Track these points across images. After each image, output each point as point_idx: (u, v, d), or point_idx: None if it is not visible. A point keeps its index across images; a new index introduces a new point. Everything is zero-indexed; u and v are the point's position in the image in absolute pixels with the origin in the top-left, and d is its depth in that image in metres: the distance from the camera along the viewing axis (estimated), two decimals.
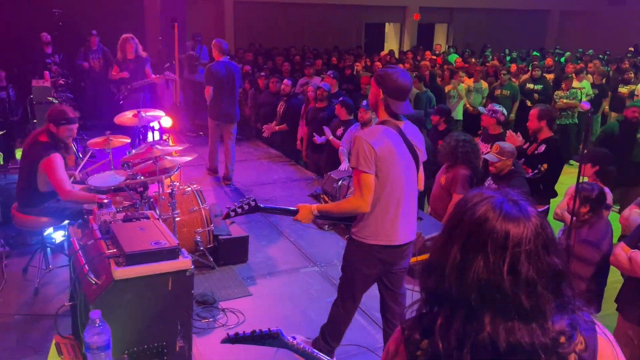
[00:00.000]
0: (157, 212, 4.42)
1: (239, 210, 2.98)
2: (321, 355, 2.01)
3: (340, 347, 3.73)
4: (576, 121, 9.10)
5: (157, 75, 7.36)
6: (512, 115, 8.91)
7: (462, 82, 9.34)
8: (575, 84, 9.24)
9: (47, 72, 7.60)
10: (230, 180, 7.05)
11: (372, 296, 4.41)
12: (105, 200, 3.09)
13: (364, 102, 6.23)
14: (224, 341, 1.96)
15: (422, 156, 3.06)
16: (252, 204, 3.01)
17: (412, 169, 2.98)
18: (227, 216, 3.00)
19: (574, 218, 3.76)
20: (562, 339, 1.15)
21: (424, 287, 1.25)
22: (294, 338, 1.98)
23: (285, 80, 8.09)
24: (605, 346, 1.21)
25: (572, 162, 8.78)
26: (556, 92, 9.21)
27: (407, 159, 2.93)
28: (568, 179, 4.92)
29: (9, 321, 3.91)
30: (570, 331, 1.16)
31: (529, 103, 8.93)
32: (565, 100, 8.93)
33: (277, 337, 1.92)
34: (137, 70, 7.42)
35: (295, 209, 3.12)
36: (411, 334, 1.24)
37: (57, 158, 4.16)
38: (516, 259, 1.12)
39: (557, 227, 4.33)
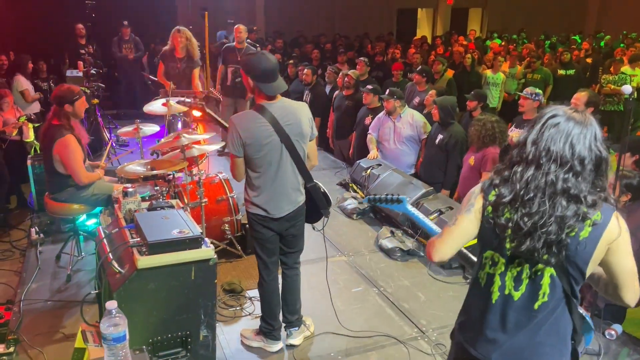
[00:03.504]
0: (185, 200, 4.44)
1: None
2: (430, 223, 2.51)
3: (369, 338, 3.70)
4: (622, 108, 8.68)
5: (201, 90, 6.55)
6: (545, 101, 8.61)
7: (488, 70, 9.02)
8: (626, 69, 8.80)
9: (81, 62, 7.72)
10: None
11: (400, 287, 4.37)
12: (131, 189, 3.09)
13: (387, 92, 6.15)
14: (366, 200, 2.56)
15: (305, 136, 3.19)
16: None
17: (284, 154, 3.14)
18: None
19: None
20: (587, 208, 1.73)
21: (510, 156, 1.86)
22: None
23: (306, 70, 7.97)
24: (614, 226, 1.77)
25: (611, 150, 8.42)
26: (604, 76, 8.79)
27: (277, 146, 3.10)
28: None
29: (42, 307, 4.00)
30: (593, 204, 1.74)
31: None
32: (612, 86, 8.52)
33: (401, 202, 2.48)
34: (185, 72, 6.54)
35: None
36: (492, 180, 1.88)
37: (70, 140, 4.18)
38: (576, 140, 1.73)
39: None
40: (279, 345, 3.57)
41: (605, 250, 1.77)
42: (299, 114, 3.16)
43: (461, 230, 1.94)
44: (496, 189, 1.84)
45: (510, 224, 1.79)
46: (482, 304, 1.94)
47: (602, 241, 1.75)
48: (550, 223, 1.72)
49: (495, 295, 1.90)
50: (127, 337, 1.69)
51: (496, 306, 1.90)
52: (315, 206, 3.43)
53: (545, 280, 1.82)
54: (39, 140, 4.37)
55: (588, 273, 1.81)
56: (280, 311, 3.58)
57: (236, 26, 7.43)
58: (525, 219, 1.75)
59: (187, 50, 6.49)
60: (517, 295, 1.86)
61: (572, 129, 1.74)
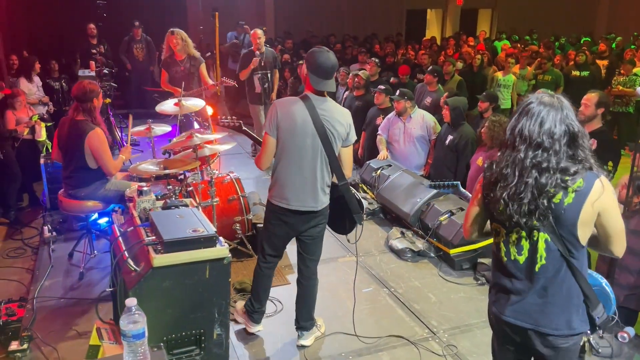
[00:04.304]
0: (197, 200, 4.45)
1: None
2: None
3: (380, 338, 3.70)
4: (630, 110, 8.62)
5: (213, 83, 6.36)
6: None
7: (499, 72, 8.98)
8: (638, 70, 8.74)
9: (93, 62, 7.77)
10: None
11: (411, 288, 4.37)
12: (145, 188, 3.11)
13: (397, 92, 6.16)
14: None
15: (338, 137, 3.20)
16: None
17: (317, 145, 3.17)
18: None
19: (626, 208, 3.60)
20: (567, 177, 1.98)
21: (501, 144, 2.16)
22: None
23: None
24: (598, 188, 1.99)
25: (623, 152, 8.37)
26: (615, 78, 8.75)
27: (310, 134, 3.14)
28: (621, 169, 4.68)
29: (55, 304, 4.03)
30: (574, 173, 1.98)
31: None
32: (621, 87, 8.47)
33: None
34: (188, 73, 6.33)
35: None
36: (487, 166, 2.18)
37: (101, 132, 4.27)
38: (544, 120, 2.00)
39: None
40: (257, 328, 3.69)
41: (595, 212, 2.01)
42: (337, 115, 3.22)
43: (471, 210, 2.30)
44: (488, 171, 2.17)
45: (495, 197, 2.10)
46: (497, 269, 2.26)
47: (587, 203, 1.99)
48: (523, 192, 2.00)
49: (504, 260, 2.18)
50: (146, 334, 1.71)
51: (506, 270, 2.18)
52: (347, 210, 3.38)
53: (541, 245, 2.07)
54: (62, 138, 4.37)
55: (581, 235, 2.04)
56: (267, 298, 3.68)
57: (252, 32, 7.19)
58: (503, 192, 2.05)
59: (185, 50, 6.28)
60: (521, 259, 2.13)
61: (542, 111, 2.01)
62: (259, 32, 7.14)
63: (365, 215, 5.70)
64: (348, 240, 3.59)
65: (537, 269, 2.09)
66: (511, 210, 2.03)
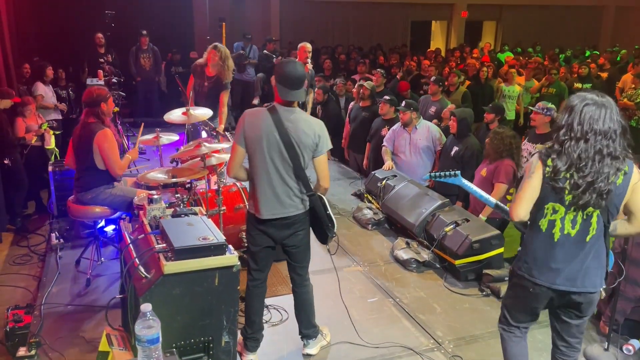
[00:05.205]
0: (204, 208, 4.48)
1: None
2: (483, 194, 3.21)
3: (385, 348, 3.71)
4: (633, 124, 8.62)
5: (219, 127, 5.81)
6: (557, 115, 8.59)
7: (503, 83, 9.02)
8: None
9: (101, 71, 7.84)
10: None
11: (415, 298, 4.38)
12: (156, 196, 3.15)
13: (403, 104, 6.21)
14: (427, 177, 3.54)
15: (304, 147, 3.17)
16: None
17: (283, 155, 3.16)
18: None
19: None
20: (619, 162, 2.45)
21: (557, 135, 2.56)
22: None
23: (317, 89, 7.64)
24: (636, 172, 2.52)
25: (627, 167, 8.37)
26: (625, 91, 8.78)
27: (275, 143, 3.15)
28: None
29: (63, 311, 4.05)
30: (623, 159, 2.47)
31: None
32: (625, 100, 8.48)
33: (457, 176, 3.14)
34: (208, 93, 6.03)
35: None
36: (548, 152, 2.57)
37: (110, 132, 4.34)
38: (608, 118, 2.46)
39: None
40: (250, 357, 3.50)
41: (632, 191, 2.51)
42: (303, 125, 3.18)
43: (529, 193, 2.62)
44: (552, 160, 2.52)
45: (567, 185, 2.50)
46: (546, 244, 2.63)
47: (630, 184, 2.49)
48: (600, 179, 2.44)
49: (557, 235, 2.60)
50: (160, 339, 1.73)
51: (559, 243, 2.60)
52: (319, 222, 3.37)
53: (594, 219, 2.54)
54: (74, 141, 4.43)
55: (621, 209, 2.55)
56: (260, 322, 3.54)
57: (301, 45, 6.86)
58: (581, 180, 2.46)
59: (218, 70, 5.97)
60: (573, 232, 2.57)
61: (603, 111, 2.45)
62: (309, 46, 6.87)
63: (370, 225, 5.74)
64: (328, 251, 3.61)
65: (587, 239, 2.56)
66: (589, 195, 2.45)
